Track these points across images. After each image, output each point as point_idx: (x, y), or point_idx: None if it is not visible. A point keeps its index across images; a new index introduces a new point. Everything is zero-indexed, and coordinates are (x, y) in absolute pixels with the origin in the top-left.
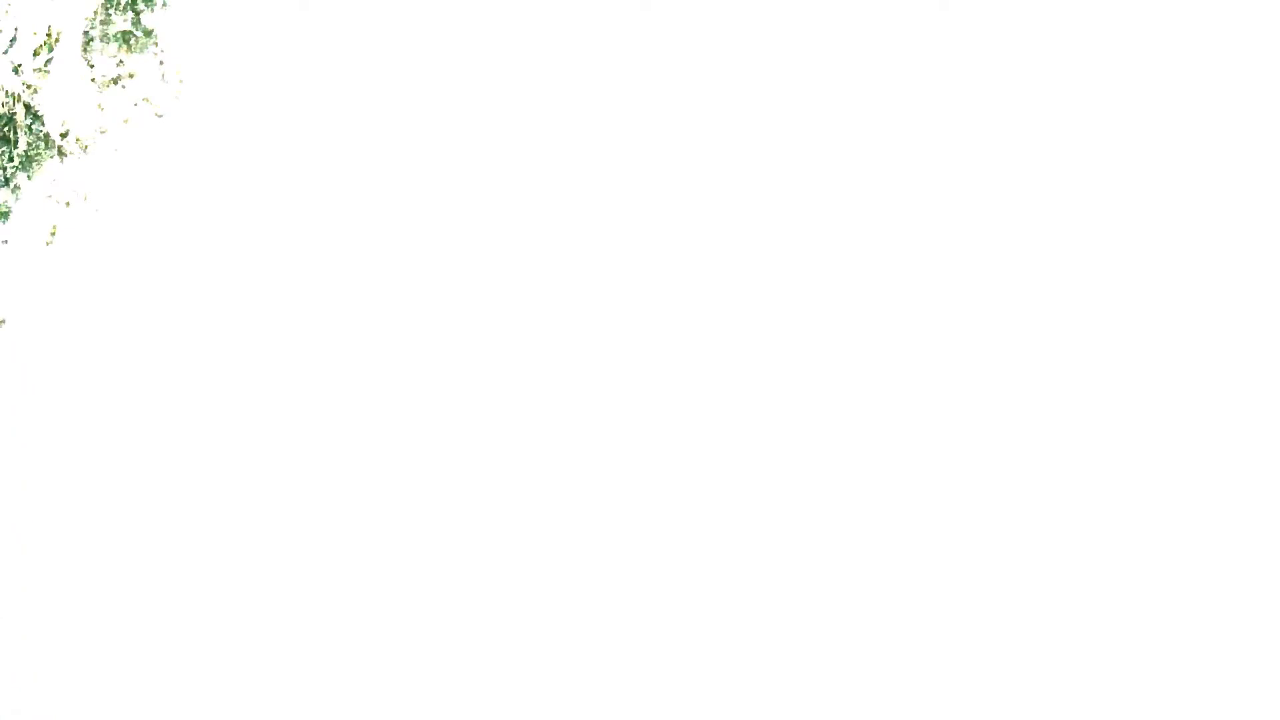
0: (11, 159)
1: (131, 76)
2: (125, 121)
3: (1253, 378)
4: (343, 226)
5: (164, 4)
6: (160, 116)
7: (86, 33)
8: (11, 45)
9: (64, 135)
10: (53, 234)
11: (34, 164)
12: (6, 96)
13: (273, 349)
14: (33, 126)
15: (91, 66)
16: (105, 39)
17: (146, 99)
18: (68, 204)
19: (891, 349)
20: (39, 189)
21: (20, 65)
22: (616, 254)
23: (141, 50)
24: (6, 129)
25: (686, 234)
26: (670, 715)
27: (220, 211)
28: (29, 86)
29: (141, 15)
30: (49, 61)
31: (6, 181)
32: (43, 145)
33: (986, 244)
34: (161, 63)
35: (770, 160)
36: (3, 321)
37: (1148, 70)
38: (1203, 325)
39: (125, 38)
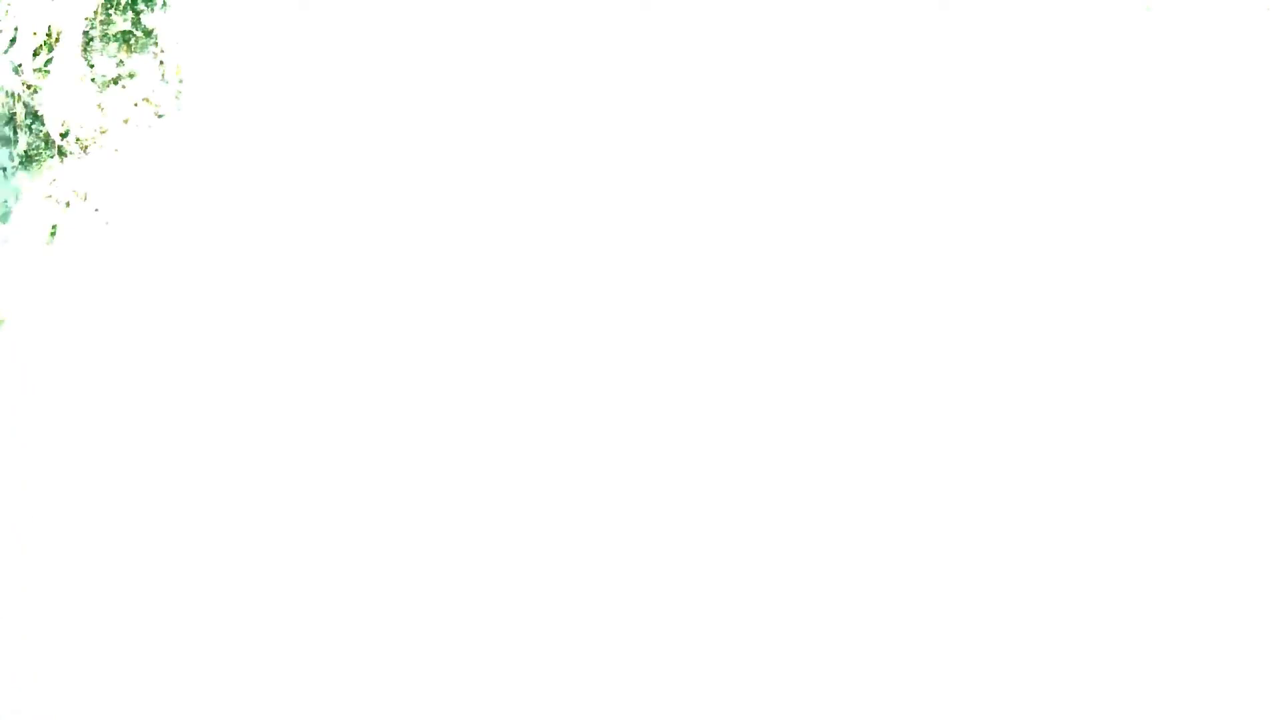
0: (11, 159)
1: (132, 76)
2: (125, 121)
3: (1253, 378)
4: (343, 226)
5: (164, 4)
6: (160, 116)
7: (86, 33)
8: (11, 45)
9: (64, 135)
10: (52, 234)
11: (34, 164)
12: (6, 96)
13: (273, 349)
14: (33, 126)
15: (91, 66)
16: (105, 39)
17: (146, 99)
18: (68, 204)
19: (892, 348)
20: (39, 189)
21: (20, 65)
22: (617, 253)
23: (141, 50)
24: (6, 129)
25: (687, 233)
26: (670, 715)
27: (220, 211)
28: (29, 86)
29: (141, 15)
30: (49, 61)
31: (6, 181)
32: (43, 145)
33: (987, 244)
34: (161, 63)
35: (770, 160)
36: (3, 321)
37: (1148, 70)
38: (1203, 325)
39: (125, 38)
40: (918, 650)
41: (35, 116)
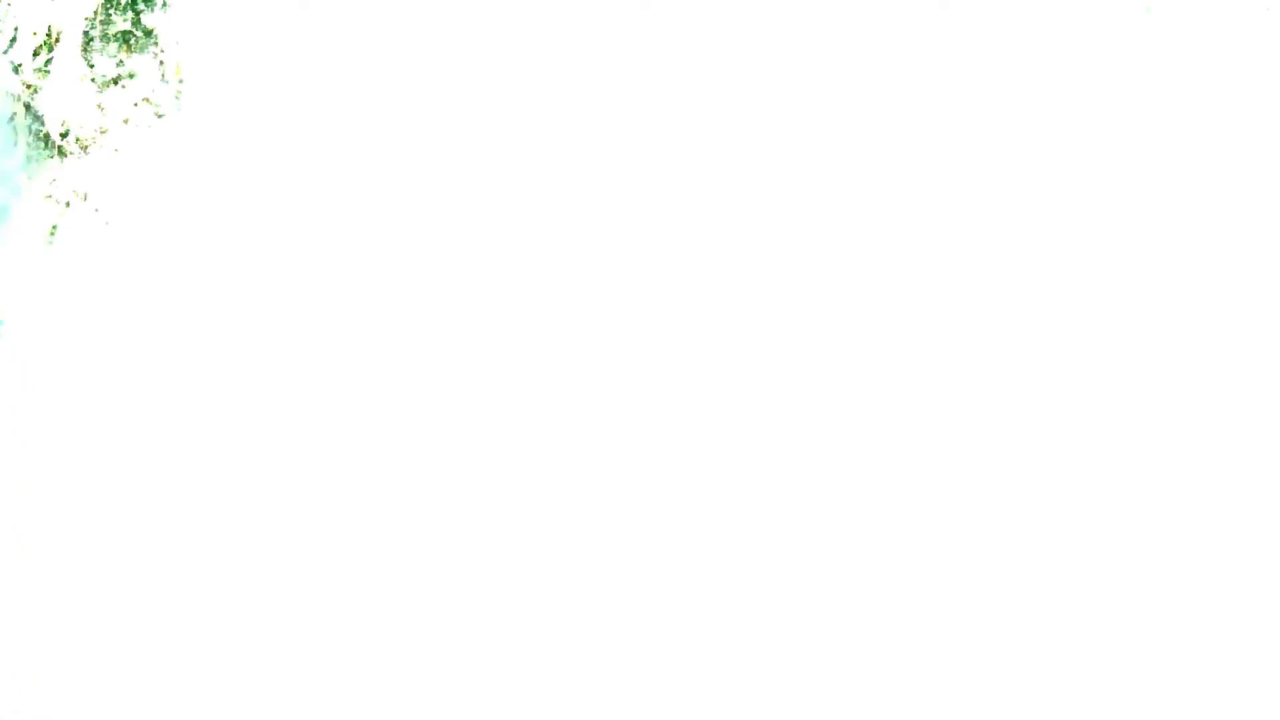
0: (12, 159)
1: (132, 76)
2: (125, 121)
3: (1254, 378)
4: (345, 226)
5: (164, 4)
6: (160, 116)
7: (86, 33)
8: (11, 45)
9: (64, 135)
10: (52, 234)
11: (34, 164)
12: (6, 96)
13: (274, 349)
14: (33, 126)
15: (91, 66)
16: (105, 39)
17: (146, 99)
18: (67, 204)
19: (894, 349)
20: (39, 189)
21: (20, 65)
22: (618, 253)
23: (141, 50)
24: (7, 129)
25: (687, 234)
26: (670, 715)
27: (221, 211)
28: (29, 86)
29: (141, 15)
30: (49, 61)
31: (6, 181)
32: (43, 145)
33: (987, 244)
34: (161, 63)
35: (770, 160)
36: (2, 322)
37: (1148, 70)
38: (1204, 325)
39: (125, 38)
40: (920, 652)
41: (35, 117)
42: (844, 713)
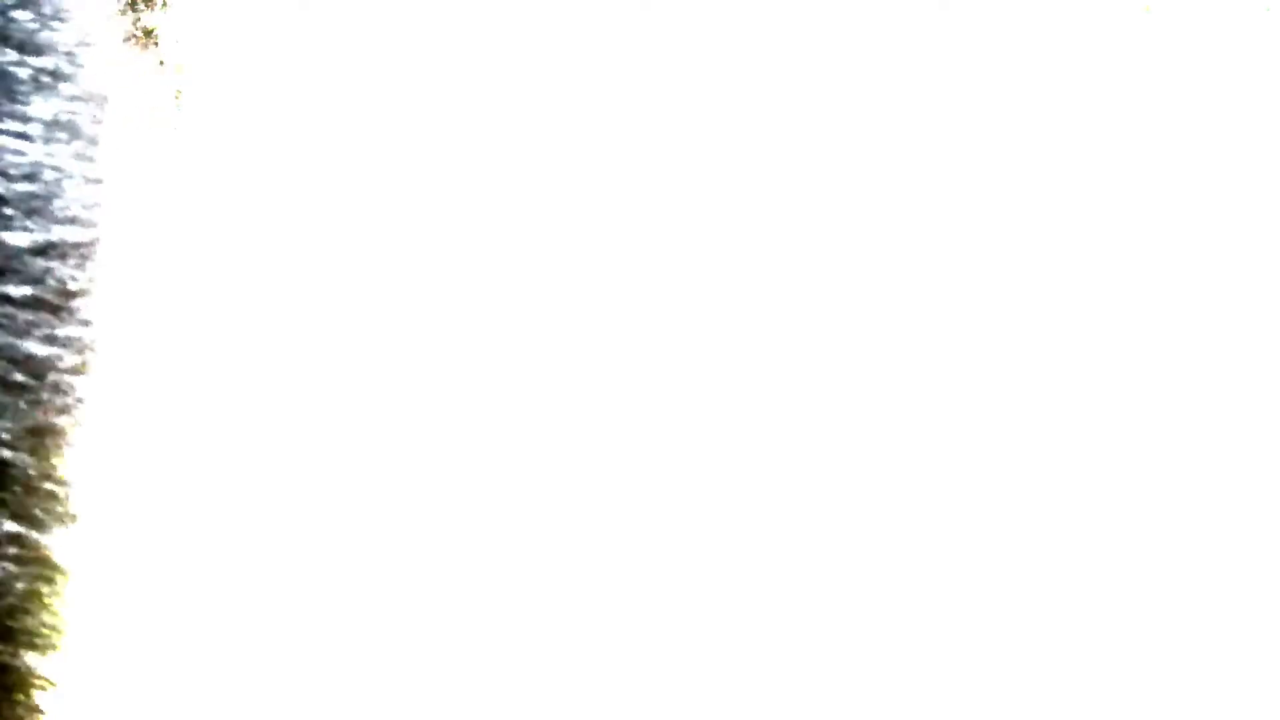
0: None
1: None
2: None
3: (1254, 380)
4: (346, 227)
5: (164, 4)
6: (159, 117)
7: None
8: None
9: None
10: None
11: None
12: None
13: (275, 350)
14: None
15: None
16: None
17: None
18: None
19: (895, 352)
20: None
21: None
22: (618, 254)
23: (141, 50)
24: None
25: (688, 234)
26: (670, 715)
27: (220, 212)
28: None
29: (141, 15)
30: None
31: None
32: None
33: (986, 245)
34: (161, 63)
35: (769, 160)
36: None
37: (1148, 70)
38: (1204, 326)
39: (125, 37)
40: (921, 655)
41: None
42: (843, 713)
